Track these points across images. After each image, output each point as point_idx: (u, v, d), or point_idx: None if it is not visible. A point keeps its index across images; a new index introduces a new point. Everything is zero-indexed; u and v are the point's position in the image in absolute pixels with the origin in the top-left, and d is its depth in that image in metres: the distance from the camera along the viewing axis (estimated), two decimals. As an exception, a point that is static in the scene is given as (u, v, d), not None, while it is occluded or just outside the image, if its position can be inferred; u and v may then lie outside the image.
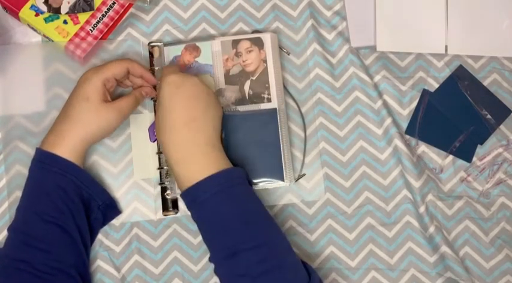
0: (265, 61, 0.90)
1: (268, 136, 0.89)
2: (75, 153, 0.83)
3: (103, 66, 0.85)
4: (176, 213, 0.91)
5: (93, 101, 0.83)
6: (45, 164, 0.82)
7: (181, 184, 0.80)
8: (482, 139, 0.95)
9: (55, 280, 0.80)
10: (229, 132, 0.89)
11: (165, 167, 0.90)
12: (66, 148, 0.82)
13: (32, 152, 0.90)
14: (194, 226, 0.90)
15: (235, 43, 0.91)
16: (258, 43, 0.91)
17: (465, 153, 0.94)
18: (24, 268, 0.79)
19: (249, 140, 0.89)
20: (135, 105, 0.88)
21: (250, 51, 0.91)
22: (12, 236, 0.82)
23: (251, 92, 0.90)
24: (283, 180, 0.89)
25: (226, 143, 0.89)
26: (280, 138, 0.89)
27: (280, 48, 0.95)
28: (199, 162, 0.80)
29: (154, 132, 0.90)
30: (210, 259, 0.80)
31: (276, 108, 0.89)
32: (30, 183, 0.84)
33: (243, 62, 0.91)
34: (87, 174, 0.85)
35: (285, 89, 0.94)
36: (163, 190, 0.91)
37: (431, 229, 0.91)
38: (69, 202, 0.82)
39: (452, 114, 0.95)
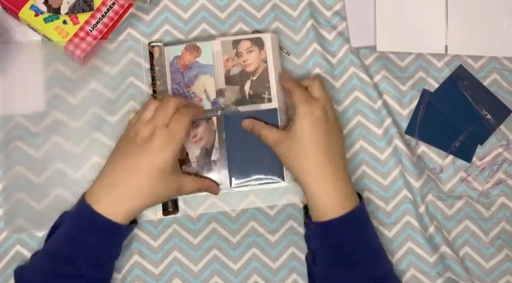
0: (265, 61, 0.90)
1: None
2: (131, 217, 0.82)
3: (180, 134, 0.81)
4: (176, 213, 0.91)
5: (167, 173, 0.80)
6: (96, 227, 0.80)
7: (318, 213, 0.82)
8: (482, 139, 0.95)
9: None
10: (229, 132, 0.90)
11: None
12: (126, 215, 0.80)
13: (32, 152, 0.90)
14: (194, 226, 0.91)
15: (236, 43, 0.91)
16: (259, 43, 0.91)
17: (465, 153, 0.94)
18: None
19: (249, 140, 0.89)
20: (197, 190, 0.87)
21: (250, 52, 0.91)
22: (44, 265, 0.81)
23: (251, 92, 0.90)
24: (283, 179, 0.89)
25: (227, 143, 0.89)
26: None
27: (281, 48, 0.95)
28: (338, 197, 0.82)
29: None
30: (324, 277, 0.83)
31: (276, 108, 0.89)
32: (69, 234, 0.81)
33: (244, 62, 0.91)
34: (132, 227, 0.85)
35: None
36: (163, 190, 0.91)
37: (431, 229, 0.91)
38: (110, 257, 0.83)
39: (452, 114, 0.95)
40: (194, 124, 0.90)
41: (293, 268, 0.90)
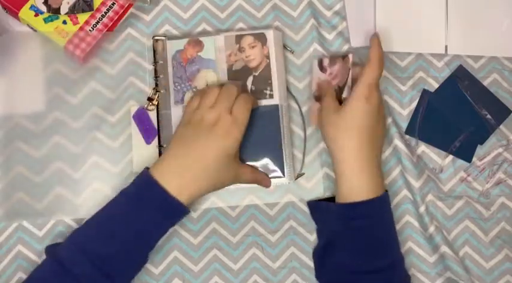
0: (268, 57, 0.90)
1: (270, 132, 0.89)
2: (193, 201, 0.82)
3: (244, 122, 0.83)
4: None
5: (231, 157, 0.82)
6: (154, 206, 0.80)
7: (343, 195, 0.84)
8: (482, 139, 0.95)
9: None
10: None
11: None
12: (189, 198, 0.80)
13: (32, 152, 0.90)
14: (194, 226, 0.91)
15: (239, 38, 0.91)
16: (261, 39, 0.90)
17: (465, 153, 0.94)
18: None
19: (250, 135, 0.88)
20: (251, 181, 0.87)
21: (253, 47, 0.90)
22: (79, 255, 0.78)
23: (253, 88, 0.90)
24: (284, 175, 0.89)
25: None
26: (282, 135, 0.89)
27: (285, 46, 0.95)
28: (369, 182, 0.84)
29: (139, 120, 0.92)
30: (356, 272, 0.83)
31: (277, 105, 0.89)
32: (123, 216, 0.81)
33: (246, 57, 0.91)
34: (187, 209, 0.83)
35: (286, 88, 0.94)
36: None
37: (432, 229, 0.91)
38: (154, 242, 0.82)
39: (452, 114, 0.95)
40: (331, 62, 0.93)
41: (293, 268, 0.90)
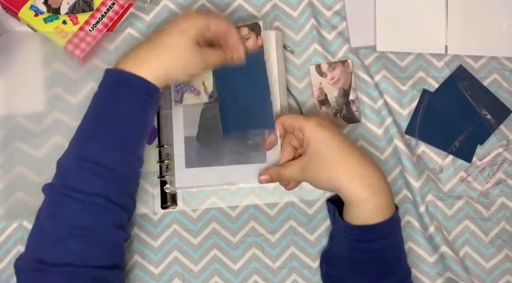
0: (262, 47, 0.88)
1: (257, 82, 0.88)
2: (157, 82, 0.79)
3: (208, 15, 0.84)
4: (174, 208, 0.91)
5: (189, 37, 0.80)
6: (125, 85, 0.79)
7: (358, 215, 0.79)
8: (482, 139, 0.95)
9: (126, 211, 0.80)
10: (221, 90, 0.90)
11: (165, 161, 0.90)
12: (150, 74, 0.78)
13: (32, 152, 0.90)
14: (194, 226, 0.91)
15: None
16: (256, 29, 0.89)
17: (465, 153, 0.94)
18: (102, 203, 0.76)
19: (240, 95, 0.88)
20: (221, 61, 0.85)
21: (248, 39, 0.89)
22: (73, 166, 0.77)
23: None
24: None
25: (220, 100, 0.90)
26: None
27: (285, 46, 0.95)
28: (381, 203, 0.79)
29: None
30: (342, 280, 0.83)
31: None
32: (102, 108, 0.79)
33: None
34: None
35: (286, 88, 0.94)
36: (163, 184, 0.91)
37: (432, 229, 0.91)
38: (145, 129, 0.81)
39: (452, 114, 0.95)
40: (330, 67, 0.93)
41: (293, 268, 0.90)
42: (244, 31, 0.90)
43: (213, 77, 0.89)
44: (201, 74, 0.87)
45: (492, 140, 0.95)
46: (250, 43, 0.89)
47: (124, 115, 0.79)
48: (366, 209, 0.78)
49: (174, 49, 0.80)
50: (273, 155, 0.87)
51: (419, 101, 0.95)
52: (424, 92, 0.95)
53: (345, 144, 0.80)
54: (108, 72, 0.80)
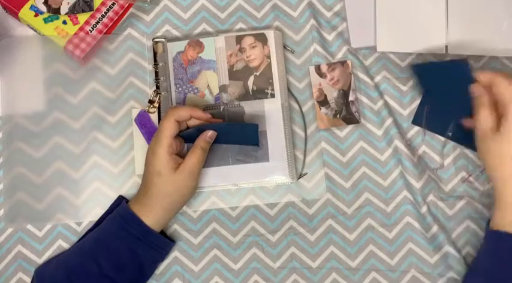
0: (268, 57, 0.91)
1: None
2: (158, 224, 0.84)
3: (161, 135, 0.83)
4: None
5: (165, 175, 0.82)
6: (128, 224, 0.83)
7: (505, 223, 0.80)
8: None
9: None
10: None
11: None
12: (151, 220, 0.83)
13: (32, 152, 0.90)
14: (194, 226, 0.91)
15: (239, 39, 0.91)
16: (262, 39, 0.91)
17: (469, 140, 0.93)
18: None
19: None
20: (203, 156, 0.85)
21: (253, 47, 0.91)
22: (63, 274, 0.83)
23: (255, 88, 0.91)
24: (286, 175, 0.89)
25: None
26: (284, 135, 0.89)
27: (285, 46, 0.95)
28: None
29: (141, 124, 0.92)
30: None
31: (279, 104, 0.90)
32: (103, 233, 0.85)
33: (247, 57, 0.91)
34: (164, 239, 0.86)
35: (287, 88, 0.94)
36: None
37: (434, 228, 0.91)
38: (135, 265, 0.84)
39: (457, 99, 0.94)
40: (330, 68, 0.93)
41: (293, 268, 0.90)
42: (250, 40, 0.91)
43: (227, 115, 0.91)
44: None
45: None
46: (257, 52, 0.90)
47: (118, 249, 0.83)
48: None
49: (162, 192, 0.83)
50: (276, 155, 0.88)
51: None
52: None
53: None
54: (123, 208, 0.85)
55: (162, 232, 0.87)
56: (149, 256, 0.85)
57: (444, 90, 0.90)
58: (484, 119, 0.81)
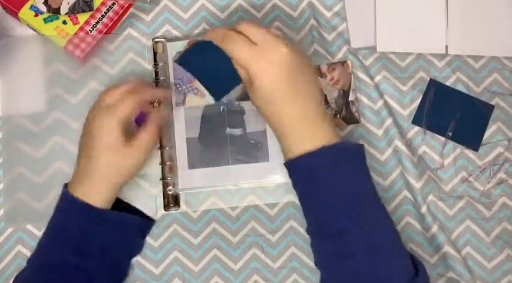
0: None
1: None
2: (107, 200, 0.81)
3: (115, 109, 0.80)
4: (177, 209, 0.91)
5: (116, 150, 0.79)
6: (74, 211, 0.81)
7: (289, 152, 0.76)
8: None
9: None
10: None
11: (167, 163, 0.90)
12: (98, 198, 0.80)
13: (32, 152, 0.90)
14: (194, 226, 0.90)
15: None
16: None
17: (470, 139, 0.94)
18: None
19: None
20: (156, 134, 0.83)
21: None
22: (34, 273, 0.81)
23: None
24: (286, 175, 0.87)
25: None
26: None
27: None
28: (309, 133, 0.75)
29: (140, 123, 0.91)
30: (308, 232, 0.78)
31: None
32: (54, 225, 0.82)
33: None
34: (120, 214, 0.83)
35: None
36: (165, 186, 0.91)
37: (434, 228, 0.91)
38: (97, 246, 0.81)
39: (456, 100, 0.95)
40: (330, 68, 0.93)
41: (293, 268, 0.90)
42: None
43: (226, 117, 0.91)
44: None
45: (493, 139, 0.94)
46: None
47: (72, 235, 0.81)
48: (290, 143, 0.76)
49: (111, 167, 0.80)
50: (276, 155, 0.88)
51: (426, 90, 0.95)
52: (431, 81, 0.95)
53: None
54: (66, 195, 0.82)
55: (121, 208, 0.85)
56: (112, 238, 0.82)
57: (215, 66, 0.82)
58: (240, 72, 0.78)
